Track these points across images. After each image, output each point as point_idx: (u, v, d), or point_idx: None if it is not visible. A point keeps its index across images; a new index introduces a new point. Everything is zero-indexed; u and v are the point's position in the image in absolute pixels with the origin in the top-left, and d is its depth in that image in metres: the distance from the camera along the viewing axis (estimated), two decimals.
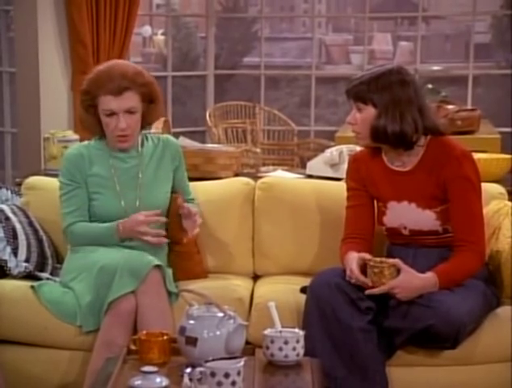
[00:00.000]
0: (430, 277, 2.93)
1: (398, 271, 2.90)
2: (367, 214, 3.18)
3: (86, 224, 3.32)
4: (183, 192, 3.46)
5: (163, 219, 3.28)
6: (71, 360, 3.18)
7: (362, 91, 3.04)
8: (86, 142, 3.44)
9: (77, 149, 3.39)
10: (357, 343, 2.91)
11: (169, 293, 3.15)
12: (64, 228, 3.34)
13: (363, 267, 2.94)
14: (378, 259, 2.94)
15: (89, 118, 3.33)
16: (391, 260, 2.92)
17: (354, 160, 3.25)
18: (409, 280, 2.90)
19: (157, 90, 3.35)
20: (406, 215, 3.09)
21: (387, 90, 3.01)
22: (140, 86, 3.27)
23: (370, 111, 3.04)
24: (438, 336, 2.89)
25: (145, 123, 3.38)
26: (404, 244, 3.13)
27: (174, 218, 3.34)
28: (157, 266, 3.10)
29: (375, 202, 3.20)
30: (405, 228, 3.10)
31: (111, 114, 3.25)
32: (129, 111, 3.26)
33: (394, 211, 3.12)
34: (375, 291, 2.89)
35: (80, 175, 3.32)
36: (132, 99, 3.25)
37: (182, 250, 3.45)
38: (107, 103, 3.24)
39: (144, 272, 3.05)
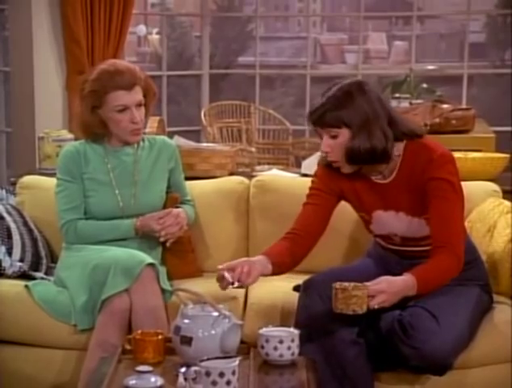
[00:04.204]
0: (408, 280, 2.78)
1: (367, 295, 2.70)
2: (321, 216, 3.04)
3: (94, 221, 3.32)
4: (180, 193, 3.48)
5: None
6: (65, 360, 3.18)
7: (332, 116, 2.84)
8: (81, 140, 3.43)
9: (73, 146, 3.40)
10: (348, 356, 2.87)
11: (163, 291, 3.15)
12: (62, 224, 3.33)
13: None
14: (345, 283, 2.70)
15: (93, 120, 3.31)
16: (359, 284, 2.70)
17: (331, 168, 3.00)
18: (391, 283, 2.76)
19: (152, 85, 3.39)
20: (395, 224, 2.99)
21: (354, 107, 2.82)
22: (142, 80, 3.31)
23: (345, 134, 2.85)
24: (423, 371, 2.88)
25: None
26: (396, 252, 3.05)
27: None
28: (151, 264, 3.10)
29: (356, 212, 3.09)
30: (396, 235, 3.02)
31: (123, 109, 3.26)
32: (139, 105, 3.29)
33: (381, 220, 3.01)
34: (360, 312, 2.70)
35: (77, 171, 3.33)
36: (140, 94, 3.30)
37: (176, 249, 3.44)
38: (120, 98, 3.25)
39: (137, 271, 3.05)
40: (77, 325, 3.13)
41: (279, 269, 2.97)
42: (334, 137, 2.86)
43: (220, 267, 2.85)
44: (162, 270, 3.25)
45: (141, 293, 3.05)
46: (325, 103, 2.85)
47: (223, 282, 2.83)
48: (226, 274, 2.81)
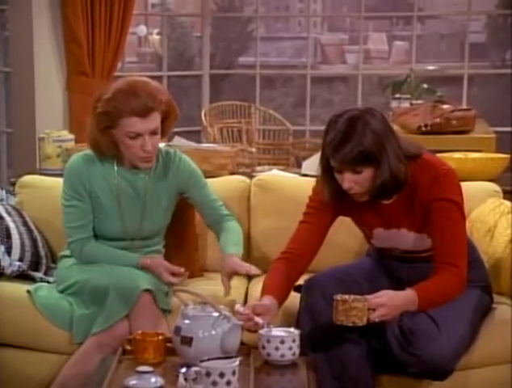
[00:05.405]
0: (409, 295, 2.76)
1: (368, 307, 2.68)
2: (316, 236, 3.00)
3: (101, 246, 3.22)
4: (212, 210, 3.34)
5: (186, 274, 3.20)
6: (62, 363, 3.15)
7: (360, 154, 2.73)
8: (89, 152, 3.22)
9: (81, 159, 3.22)
10: (350, 355, 2.86)
11: (163, 311, 3.09)
12: (69, 242, 3.24)
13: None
14: (346, 296, 2.68)
15: (104, 139, 3.12)
16: (360, 297, 2.68)
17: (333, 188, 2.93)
18: (393, 297, 2.74)
19: (175, 108, 3.20)
20: (397, 240, 2.97)
21: (368, 128, 2.73)
22: (163, 104, 3.10)
23: (370, 169, 2.78)
24: (423, 377, 2.88)
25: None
26: (396, 258, 3.04)
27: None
28: (147, 289, 3.02)
29: (357, 226, 3.08)
30: (397, 249, 3.01)
31: (136, 136, 3.06)
32: (153, 132, 3.08)
33: (382, 236, 2.99)
34: (361, 324, 2.69)
35: (83, 189, 3.19)
36: (156, 120, 3.08)
37: (180, 247, 3.43)
38: (132, 125, 3.03)
39: (134, 297, 2.99)
40: (74, 337, 3.09)
41: (282, 302, 2.94)
42: (359, 172, 2.78)
43: (246, 311, 2.78)
44: (160, 289, 3.12)
45: (140, 318, 2.99)
46: (346, 139, 2.73)
47: (253, 325, 2.77)
48: (257, 319, 2.74)
